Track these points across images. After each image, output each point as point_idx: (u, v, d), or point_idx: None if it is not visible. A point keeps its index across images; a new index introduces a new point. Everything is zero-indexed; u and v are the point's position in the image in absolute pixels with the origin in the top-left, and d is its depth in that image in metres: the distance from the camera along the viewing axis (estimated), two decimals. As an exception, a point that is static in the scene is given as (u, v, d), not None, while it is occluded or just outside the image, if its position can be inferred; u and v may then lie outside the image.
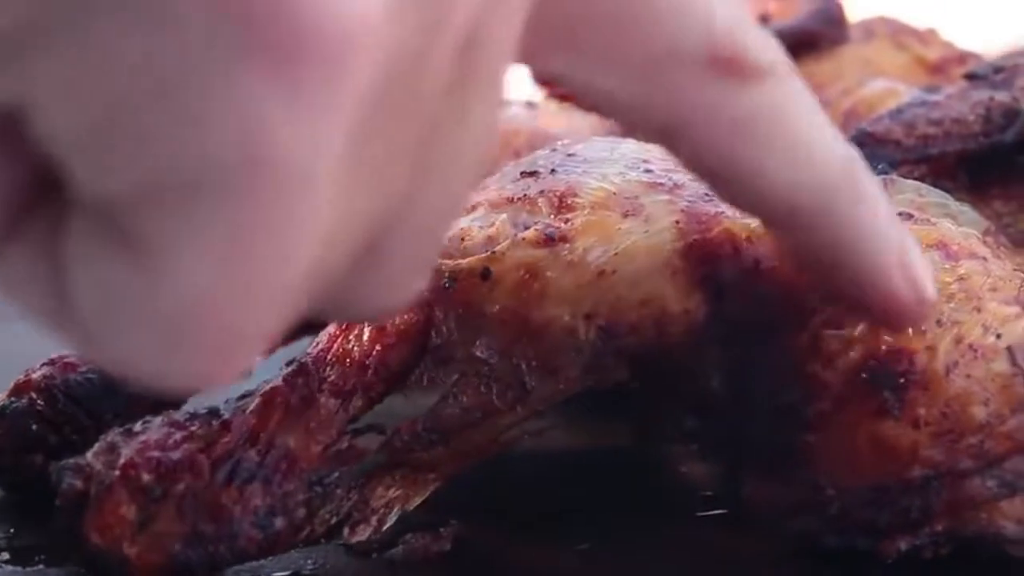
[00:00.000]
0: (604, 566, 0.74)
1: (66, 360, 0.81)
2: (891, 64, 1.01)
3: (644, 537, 0.77)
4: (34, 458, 0.78)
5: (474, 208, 0.77)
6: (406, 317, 0.73)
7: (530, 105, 1.00)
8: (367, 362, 0.72)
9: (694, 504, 0.81)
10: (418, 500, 0.75)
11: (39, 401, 0.80)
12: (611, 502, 0.82)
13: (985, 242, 0.75)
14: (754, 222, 0.73)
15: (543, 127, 0.96)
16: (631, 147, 0.81)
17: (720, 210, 0.74)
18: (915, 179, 0.79)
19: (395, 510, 0.74)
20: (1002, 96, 0.84)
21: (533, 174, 0.77)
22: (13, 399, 0.80)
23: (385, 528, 0.73)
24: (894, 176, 0.78)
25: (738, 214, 0.73)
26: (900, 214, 0.74)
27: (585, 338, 0.72)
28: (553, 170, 0.77)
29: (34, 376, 0.81)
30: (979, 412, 0.69)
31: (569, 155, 0.79)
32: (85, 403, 0.80)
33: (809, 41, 1.01)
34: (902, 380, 0.69)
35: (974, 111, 0.84)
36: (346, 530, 0.72)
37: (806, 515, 0.72)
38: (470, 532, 0.76)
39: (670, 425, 0.78)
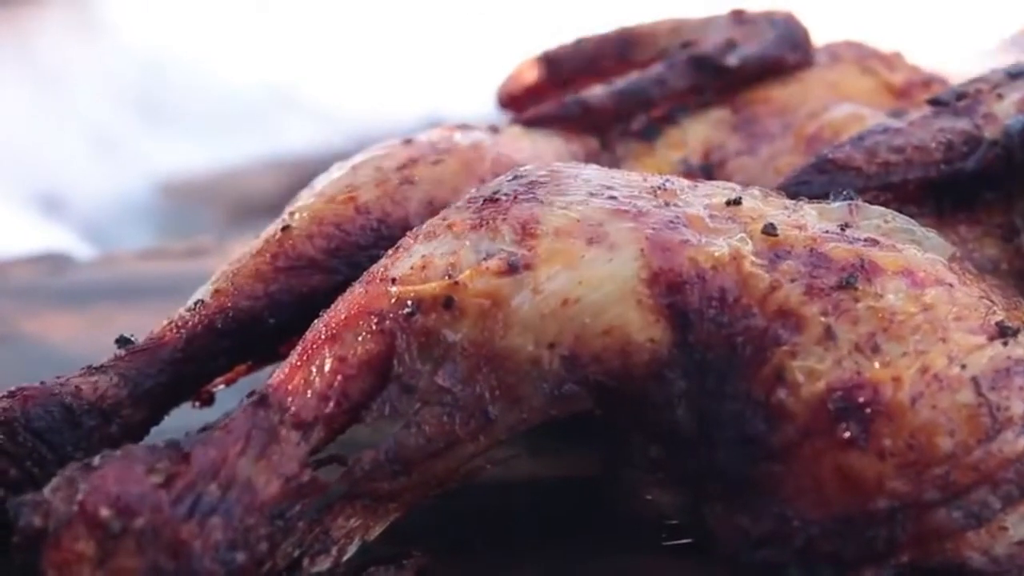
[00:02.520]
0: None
1: (26, 393, 0.80)
2: (856, 88, 1.01)
3: (610, 567, 0.77)
4: None
5: (435, 235, 0.77)
6: (368, 347, 0.73)
7: (494, 130, 0.99)
8: (328, 393, 0.72)
9: (660, 534, 0.81)
10: (378, 530, 0.74)
11: None
12: (577, 532, 0.81)
13: (951, 268, 0.74)
14: (719, 250, 0.73)
15: (507, 153, 0.95)
16: (594, 173, 0.80)
17: (685, 238, 0.73)
18: (880, 205, 0.79)
19: (356, 540, 0.73)
20: (964, 124, 0.84)
21: (495, 201, 0.77)
22: None
23: (345, 559, 0.73)
24: (859, 202, 0.78)
25: (703, 241, 0.73)
26: (866, 240, 0.74)
27: (549, 367, 0.72)
28: (516, 197, 0.77)
29: None
30: (945, 443, 0.69)
31: (532, 182, 0.78)
32: (46, 436, 0.79)
33: (774, 66, 1.01)
34: (868, 411, 0.69)
35: (936, 139, 0.84)
36: (306, 561, 0.71)
37: (771, 546, 0.72)
38: (433, 563, 0.75)
39: (635, 454, 0.77)
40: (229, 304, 0.86)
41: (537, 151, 0.97)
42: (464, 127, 0.99)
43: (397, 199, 0.91)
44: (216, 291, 0.87)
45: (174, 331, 0.85)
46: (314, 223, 0.89)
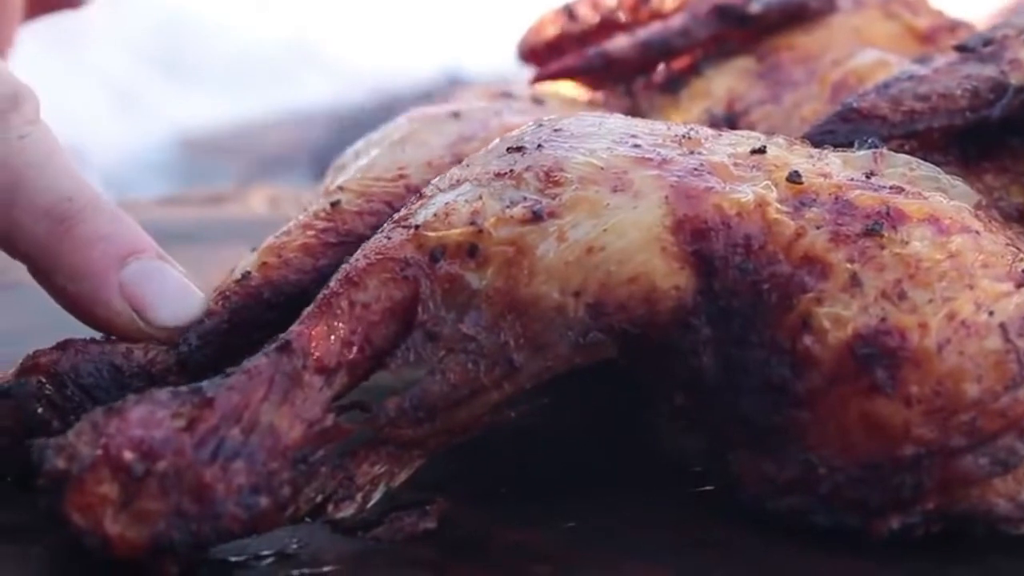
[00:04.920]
0: (591, 545, 0.73)
1: (77, 347, 0.79)
2: (881, 34, 1.01)
3: (632, 515, 0.76)
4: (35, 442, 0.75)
5: (459, 183, 0.76)
6: (391, 293, 0.73)
7: (537, 101, 0.99)
8: (352, 339, 0.72)
9: (683, 481, 0.81)
10: (403, 477, 0.74)
11: (47, 385, 0.78)
12: (599, 480, 0.81)
13: (977, 216, 0.74)
14: (744, 197, 0.72)
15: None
16: (618, 122, 0.80)
17: (710, 185, 0.73)
18: (905, 153, 0.78)
19: (380, 487, 0.73)
20: (990, 70, 0.83)
21: (519, 149, 0.76)
22: (22, 380, 0.79)
23: (370, 505, 0.73)
24: (884, 150, 0.77)
25: (728, 189, 0.73)
26: (891, 187, 0.74)
27: (574, 315, 0.72)
28: (540, 145, 0.76)
29: (43, 359, 0.79)
30: (972, 389, 0.68)
31: (556, 130, 0.78)
32: (94, 393, 0.78)
33: (798, 11, 1.00)
34: (894, 357, 0.69)
35: (961, 86, 0.83)
36: (330, 506, 0.71)
37: (797, 493, 0.71)
38: (456, 510, 0.75)
39: (659, 402, 0.77)
40: (276, 278, 0.85)
41: (578, 107, 0.97)
42: (506, 95, 0.99)
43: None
44: (263, 264, 0.86)
45: (220, 303, 0.84)
46: (364, 200, 0.88)
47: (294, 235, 0.87)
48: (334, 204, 0.88)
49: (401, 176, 0.90)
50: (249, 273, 0.85)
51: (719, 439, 0.75)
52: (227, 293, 0.85)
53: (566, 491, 0.79)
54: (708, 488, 0.79)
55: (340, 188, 0.90)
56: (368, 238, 0.86)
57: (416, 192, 0.87)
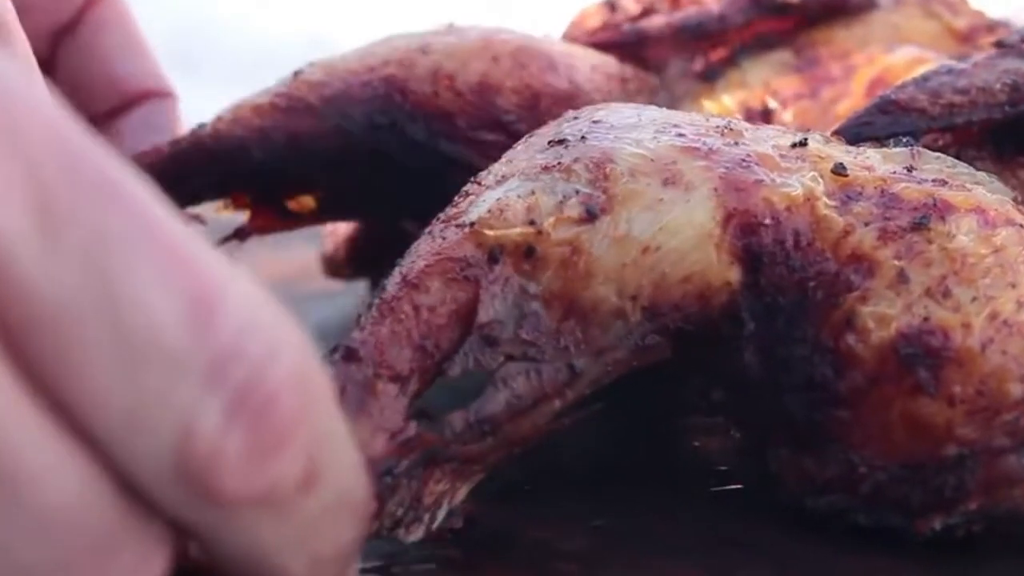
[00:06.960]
0: (618, 543, 0.73)
1: None
2: (920, 31, 1.00)
3: (659, 513, 0.77)
4: None
5: (505, 179, 0.75)
6: (456, 295, 0.71)
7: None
8: (423, 344, 0.70)
9: (709, 479, 0.80)
10: (464, 492, 0.72)
11: None
12: (626, 478, 0.81)
13: (1019, 209, 0.74)
14: (794, 191, 0.72)
15: (537, 47, 0.93)
16: (656, 112, 0.79)
17: (759, 177, 0.72)
18: (939, 148, 0.78)
19: (444, 505, 0.71)
20: (1030, 66, 0.83)
21: (562, 142, 0.76)
22: None
23: (436, 526, 0.70)
24: (919, 148, 0.78)
25: (777, 181, 0.72)
26: (934, 180, 0.73)
27: (632, 319, 0.71)
28: (583, 137, 0.75)
29: None
30: (1015, 389, 0.69)
31: (594, 121, 0.78)
32: None
33: (837, 7, 1.00)
34: (937, 357, 0.68)
35: (1001, 80, 0.83)
36: (401, 531, 0.69)
37: (837, 492, 0.71)
38: (482, 509, 0.74)
39: (692, 398, 0.77)
40: (224, 129, 0.90)
41: (587, 56, 0.96)
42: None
43: (405, 63, 0.92)
44: (219, 118, 0.90)
45: (169, 144, 0.89)
46: (324, 73, 0.91)
47: (256, 97, 0.89)
48: (297, 73, 0.90)
49: (365, 56, 0.92)
50: (205, 124, 0.89)
51: (757, 436, 0.74)
52: (178, 138, 0.89)
53: (592, 489, 0.79)
54: (735, 487, 0.79)
55: (310, 64, 0.91)
56: (314, 107, 0.88)
57: (371, 70, 0.90)
